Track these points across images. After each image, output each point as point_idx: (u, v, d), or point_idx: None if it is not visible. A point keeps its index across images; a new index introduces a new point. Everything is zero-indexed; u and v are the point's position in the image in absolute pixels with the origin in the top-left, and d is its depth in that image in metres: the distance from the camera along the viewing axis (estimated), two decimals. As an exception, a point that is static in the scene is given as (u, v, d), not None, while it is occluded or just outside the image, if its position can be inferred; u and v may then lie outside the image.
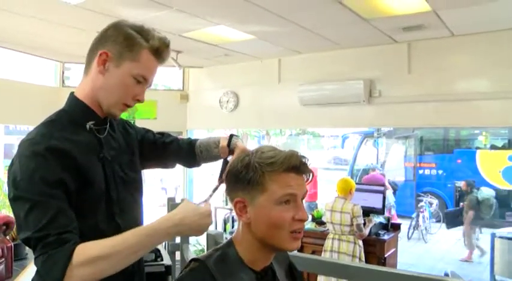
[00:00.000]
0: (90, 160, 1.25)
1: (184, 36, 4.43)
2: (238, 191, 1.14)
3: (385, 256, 4.43)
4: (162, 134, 1.63)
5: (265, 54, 5.45)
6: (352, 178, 9.99)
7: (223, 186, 1.28)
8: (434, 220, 10.03)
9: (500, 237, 5.93)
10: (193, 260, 1.17)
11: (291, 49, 5.18)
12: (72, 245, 1.06)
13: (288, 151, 1.14)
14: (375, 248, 4.45)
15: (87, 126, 1.28)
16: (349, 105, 5.04)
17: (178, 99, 6.45)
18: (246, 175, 1.12)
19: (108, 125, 1.36)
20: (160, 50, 1.29)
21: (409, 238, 9.07)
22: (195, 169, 5.18)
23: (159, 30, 1.36)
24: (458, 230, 9.17)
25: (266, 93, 5.85)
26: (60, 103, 1.37)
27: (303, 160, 1.14)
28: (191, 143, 1.59)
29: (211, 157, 1.54)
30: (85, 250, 1.06)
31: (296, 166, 1.12)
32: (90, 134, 1.29)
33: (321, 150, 21.77)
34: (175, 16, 3.83)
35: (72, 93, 1.33)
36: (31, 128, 1.31)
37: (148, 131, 1.61)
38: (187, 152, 1.58)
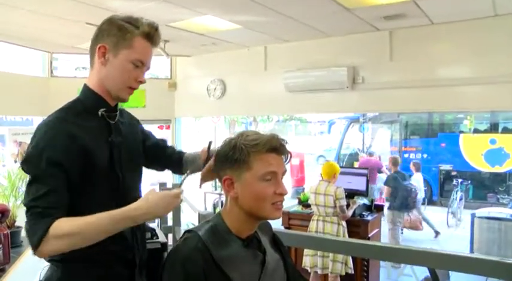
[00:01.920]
0: (98, 144, 1.40)
1: (172, 26, 4.51)
2: (226, 170, 1.32)
3: (369, 235, 4.62)
4: (161, 139, 1.82)
5: (251, 42, 5.55)
6: (338, 162, 10.20)
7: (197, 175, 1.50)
8: (419, 202, 10.24)
9: (480, 217, 6.16)
10: (186, 231, 1.33)
11: (276, 37, 5.29)
12: (51, 220, 1.23)
13: (269, 134, 1.34)
14: (359, 229, 4.63)
15: (99, 113, 1.43)
16: (333, 92, 5.18)
17: (166, 87, 6.53)
18: (233, 155, 1.29)
19: (118, 113, 1.51)
20: (151, 34, 1.43)
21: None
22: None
23: (147, 19, 1.50)
24: (443, 213, 9.45)
25: (253, 81, 5.96)
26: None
27: (282, 142, 1.32)
28: (180, 153, 1.79)
29: (196, 168, 1.68)
30: (60, 226, 1.23)
31: (276, 147, 1.30)
32: (102, 120, 1.44)
33: (308, 136, 21.95)
34: (163, 7, 3.91)
35: (85, 84, 1.48)
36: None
37: (150, 133, 1.78)
38: (177, 161, 1.76)
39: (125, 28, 1.39)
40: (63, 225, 1.24)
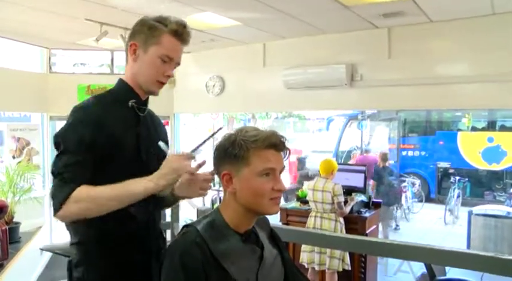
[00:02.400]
0: (125, 132, 1.52)
1: (171, 22, 4.52)
2: (225, 165, 1.33)
3: (367, 232, 4.64)
4: None
5: (250, 39, 5.55)
6: (337, 159, 10.22)
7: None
8: (416, 199, 10.27)
9: (477, 214, 6.21)
10: (185, 226, 1.35)
11: (275, 34, 5.30)
12: (75, 186, 1.36)
13: (269, 130, 1.35)
14: (357, 225, 4.65)
15: (130, 103, 1.55)
16: (332, 89, 5.18)
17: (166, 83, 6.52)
18: (233, 150, 1.30)
19: (147, 107, 1.64)
20: (179, 31, 1.52)
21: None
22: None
23: (146, 16, 1.55)
24: (440, 210, 9.49)
25: (251, 78, 5.97)
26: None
27: (282, 139, 1.33)
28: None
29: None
30: (80, 190, 1.36)
31: (275, 143, 1.32)
32: (131, 111, 1.56)
33: (307, 133, 21.96)
34: (163, 3, 3.92)
35: (120, 78, 1.61)
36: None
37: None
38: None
39: (154, 26, 1.51)
40: (84, 190, 1.36)
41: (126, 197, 1.39)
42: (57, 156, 1.42)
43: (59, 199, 1.34)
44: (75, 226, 1.49)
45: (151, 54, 1.51)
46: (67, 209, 1.34)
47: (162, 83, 1.57)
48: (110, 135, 1.45)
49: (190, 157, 1.46)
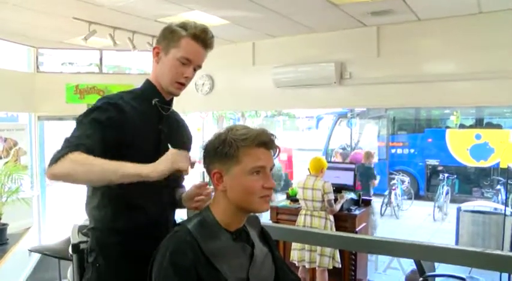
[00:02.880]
0: (145, 127, 1.59)
1: (160, 21, 4.49)
2: (215, 163, 1.34)
3: (356, 230, 4.66)
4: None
5: (239, 38, 5.55)
6: (326, 158, 10.26)
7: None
8: (405, 197, 10.35)
9: (465, 211, 6.27)
10: (176, 225, 1.34)
11: (265, 33, 5.29)
12: (76, 150, 1.39)
13: (259, 128, 1.35)
14: (347, 223, 4.67)
15: (153, 101, 1.63)
16: (321, 87, 5.20)
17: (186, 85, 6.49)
18: (223, 149, 1.31)
19: (171, 107, 1.73)
20: (197, 35, 1.60)
21: (382, 215, 9.33)
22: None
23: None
24: (429, 207, 9.56)
25: (241, 76, 5.96)
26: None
27: (272, 137, 1.34)
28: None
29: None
30: (80, 154, 1.39)
31: (266, 141, 1.32)
32: (154, 109, 1.64)
33: (296, 131, 22.01)
34: (152, 2, 3.90)
35: (147, 79, 1.70)
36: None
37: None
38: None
39: (175, 31, 1.60)
40: (84, 155, 1.39)
41: (119, 175, 1.39)
42: (74, 129, 1.49)
43: (57, 155, 1.38)
44: (91, 209, 1.59)
45: (171, 56, 1.60)
46: (60, 165, 1.37)
47: (182, 84, 1.65)
48: (127, 124, 1.52)
49: (188, 156, 1.48)
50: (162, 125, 1.65)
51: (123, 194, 1.53)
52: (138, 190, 1.47)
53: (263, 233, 1.50)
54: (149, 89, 1.67)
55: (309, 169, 4.64)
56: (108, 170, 1.38)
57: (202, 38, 1.61)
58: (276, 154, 1.37)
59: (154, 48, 1.65)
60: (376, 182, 7.49)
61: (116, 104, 1.53)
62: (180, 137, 1.73)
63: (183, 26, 1.61)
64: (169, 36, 1.61)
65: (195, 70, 1.65)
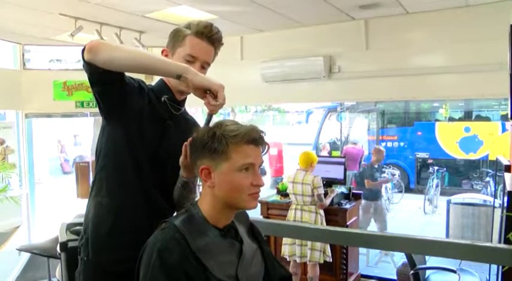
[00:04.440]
0: (152, 119, 1.61)
1: (147, 16, 4.45)
2: (204, 159, 1.32)
3: (347, 224, 4.68)
4: None
5: (227, 32, 5.47)
6: (316, 152, 10.28)
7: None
8: (396, 190, 10.41)
9: (455, 203, 6.33)
10: (163, 221, 1.33)
11: (253, 27, 5.26)
12: None
13: (249, 125, 1.34)
14: (337, 217, 4.69)
15: (163, 99, 1.65)
16: (310, 81, 5.19)
17: (143, 78, 6.44)
18: (212, 144, 1.29)
19: (182, 108, 1.73)
20: (200, 31, 1.62)
21: (372, 208, 9.38)
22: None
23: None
24: (419, 200, 9.62)
25: (229, 71, 5.90)
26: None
27: (261, 134, 1.33)
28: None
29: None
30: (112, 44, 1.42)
31: (255, 138, 1.31)
32: (164, 106, 1.65)
33: (287, 126, 22.03)
34: (137, -4, 3.87)
35: (161, 78, 1.71)
36: None
37: None
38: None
39: (181, 30, 1.64)
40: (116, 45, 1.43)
41: (156, 62, 1.45)
42: None
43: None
44: (97, 179, 1.60)
45: (177, 56, 1.62)
46: (100, 42, 1.39)
47: None
48: (143, 101, 1.58)
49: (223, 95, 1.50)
50: (171, 121, 1.66)
51: (127, 212, 1.55)
52: (145, 209, 1.52)
53: (252, 229, 1.49)
54: (161, 86, 1.69)
55: (299, 163, 4.63)
56: (149, 57, 1.45)
57: (206, 33, 1.63)
58: (265, 151, 1.36)
59: (162, 51, 1.67)
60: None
61: (139, 81, 1.61)
62: (189, 135, 1.66)
63: (187, 25, 1.64)
64: (175, 37, 1.64)
65: (203, 68, 1.65)
